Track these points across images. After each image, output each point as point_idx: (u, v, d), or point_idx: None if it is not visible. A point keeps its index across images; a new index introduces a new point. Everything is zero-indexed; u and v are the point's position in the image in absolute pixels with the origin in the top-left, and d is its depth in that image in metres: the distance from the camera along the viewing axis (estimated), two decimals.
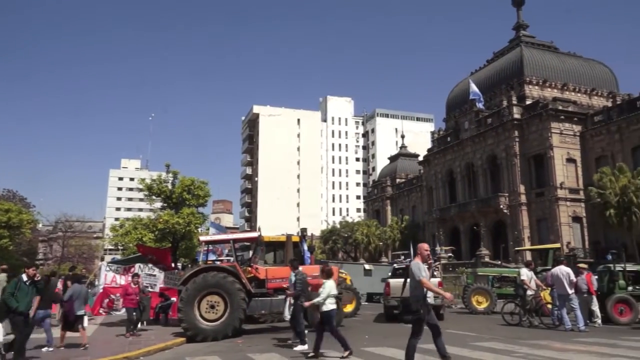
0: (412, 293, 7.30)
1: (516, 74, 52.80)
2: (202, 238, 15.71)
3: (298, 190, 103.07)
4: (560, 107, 45.27)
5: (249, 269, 13.57)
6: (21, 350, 8.68)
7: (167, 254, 16.87)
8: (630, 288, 15.89)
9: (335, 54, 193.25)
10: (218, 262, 15.39)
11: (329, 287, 8.93)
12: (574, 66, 54.51)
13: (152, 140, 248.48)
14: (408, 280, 7.49)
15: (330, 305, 8.86)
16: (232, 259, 14.49)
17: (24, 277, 8.77)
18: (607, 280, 15.94)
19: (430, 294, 7.28)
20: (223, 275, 12.37)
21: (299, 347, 9.84)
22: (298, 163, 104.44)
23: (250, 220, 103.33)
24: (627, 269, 16.65)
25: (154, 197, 25.44)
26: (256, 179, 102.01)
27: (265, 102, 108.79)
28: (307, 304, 9.62)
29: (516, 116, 47.48)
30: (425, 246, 7.63)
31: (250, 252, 16.02)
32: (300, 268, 11.32)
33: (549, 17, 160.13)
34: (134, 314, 12.98)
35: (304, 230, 16.51)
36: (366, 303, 25.61)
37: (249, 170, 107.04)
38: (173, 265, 18.09)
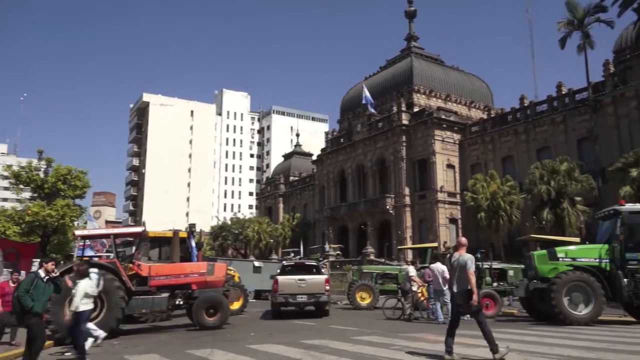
0: (464, 286, 7.64)
1: (406, 82, 55.88)
2: (77, 232, 14.50)
3: (188, 185, 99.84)
4: (443, 116, 48.77)
5: (131, 265, 12.86)
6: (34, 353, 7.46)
7: (33, 249, 15.37)
8: (495, 284, 17.57)
9: (234, 48, 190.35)
10: (96, 259, 14.36)
11: (83, 287, 8.41)
12: (456, 79, 59.00)
13: (22, 124, 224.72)
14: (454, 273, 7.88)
15: (83, 306, 8.40)
16: (112, 255, 13.61)
17: (41, 272, 7.68)
18: (475, 277, 17.39)
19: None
20: (100, 273, 11.57)
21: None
22: (190, 156, 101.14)
23: (135, 214, 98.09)
24: (493, 267, 18.39)
25: (21, 187, 23.06)
26: (143, 171, 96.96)
27: (156, 91, 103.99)
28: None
29: (404, 122, 50.27)
30: (464, 240, 8.26)
31: (134, 248, 15.14)
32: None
33: (437, 31, 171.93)
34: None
35: (192, 225, 16.02)
36: (254, 300, 25.49)
37: (135, 162, 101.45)
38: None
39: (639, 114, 34.61)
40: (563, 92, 40.89)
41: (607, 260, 12.90)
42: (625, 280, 12.53)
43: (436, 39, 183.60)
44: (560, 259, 13.15)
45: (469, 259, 7.82)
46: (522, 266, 16.37)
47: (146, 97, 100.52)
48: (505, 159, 44.47)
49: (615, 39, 38.74)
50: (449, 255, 8.53)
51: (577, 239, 21.03)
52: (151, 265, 13.09)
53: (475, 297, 7.53)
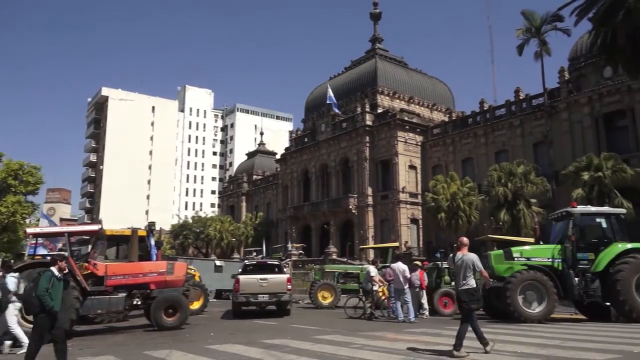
0: (469, 285, 7.92)
1: (370, 83, 56.43)
2: (29, 230, 13.96)
3: (149, 182, 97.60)
4: (406, 118, 49.52)
5: (86, 264, 12.48)
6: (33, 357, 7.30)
7: None
8: (453, 283, 17.95)
9: (197, 44, 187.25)
10: (49, 258, 13.84)
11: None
12: (419, 82, 60.02)
13: None
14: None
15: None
16: (66, 253, 13.15)
17: (55, 270, 7.49)
18: (435, 276, 17.75)
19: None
20: (20, 276, 11.16)
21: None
22: (150, 153, 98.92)
23: (92, 212, 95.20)
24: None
25: None
26: (101, 167, 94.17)
27: (117, 86, 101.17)
28: None
29: (368, 123, 50.76)
30: (466, 240, 8.45)
31: (90, 247, 14.69)
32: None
33: (401, 33, 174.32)
34: None
35: (151, 224, 15.67)
36: (215, 300, 25.21)
37: (93, 157, 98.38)
38: None
39: (591, 120, 36.10)
40: (521, 97, 42.23)
41: (560, 260, 13.36)
42: (576, 279, 13.02)
43: (400, 42, 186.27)
44: (516, 259, 13.52)
45: (475, 258, 8.12)
46: None
47: (105, 91, 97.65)
48: (465, 161, 45.55)
49: (571, 47, 40.32)
50: (451, 255, 8.74)
51: (532, 240, 21.74)
52: (108, 265, 12.75)
53: (489, 281, 8.41)
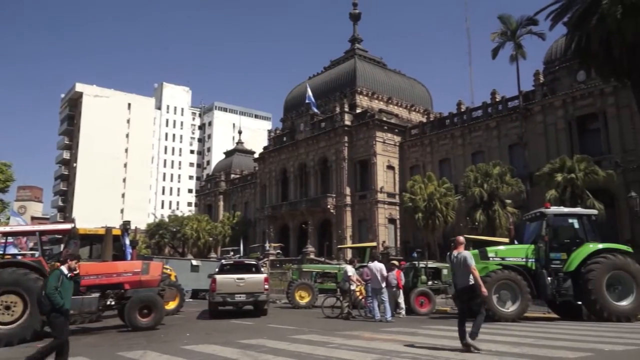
0: (468, 282, 8.17)
1: (349, 83, 56.58)
2: None
3: (124, 180, 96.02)
4: (384, 118, 49.82)
5: (58, 264, 12.17)
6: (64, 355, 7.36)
7: None
8: (430, 282, 18.14)
9: (176, 41, 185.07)
10: (19, 257, 13.52)
11: None
12: (398, 83, 60.43)
13: None
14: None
15: None
16: (37, 253, 12.86)
17: (65, 269, 7.58)
18: (411, 275, 17.89)
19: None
20: (24, 272, 10.94)
21: None
22: (126, 151, 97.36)
23: (65, 210, 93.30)
24: (428, 266, 18.97)
25: None
26: (75, 164, 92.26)
27: (93, 82, 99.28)
28: None
29: (347, 123, 50.89)
30: (462, 238, 8.84)
31: (62, 246, 14.39)
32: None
33: (380, 34, 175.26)
34: None
35: (126, 223, 15.42)
36: (191, 300, 24.93)
37: (66, 155, 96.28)
38: None
39: (565, 123, 36.88)
40: (497, 100, 42.90)
41: (533, 260, 13.57)
42: (549, 278, 13.25)
43: (379, 42, 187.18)
44: (491, 259, 13.67)
45: (467, 256, 8.36)
46: None
47: (79, 87, 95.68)
48: (443, 162, 46.04)
49: (546, 50, 41.13)
50: (448, 253, 8.97)
51: (507, 240, 22.10)
52: (81, 264, 12.46)
53: (483, 289, 8.20)
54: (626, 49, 22.38)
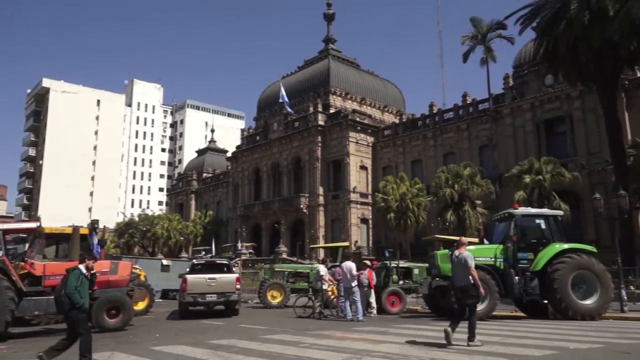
0: (465, 281, 8.40)
1: (323, 83, 56.67)
2: None
3: (92, 178, 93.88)
4: (358, 119, 50.08)
5: (22, 264, 11.86)
6: (89, 351, 7.49)
7: None
8: (401, 282, 18.31)
9: (147, 37, 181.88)
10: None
11: None
12: (371, 83, 60.84)
13: None
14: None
15: None
16: (0, 252, 12.45)
17: (83, 269, 7.65)
18: (383, 275, 18.02)
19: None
20: None
21: None
22: (95, 148, 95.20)
23: (30, 208, 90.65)
24: (400, 266, 19.15)
25: None
26: (41, 162, 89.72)
27: (59, 77, 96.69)
28: None
29: (320, 123, 50.95)
30: (465, 239, 9.25)
31: (27, 245, 13.96)
32: None
33: (354, 35, 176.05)
34: None
35: (94, 222, 15.12)
36: (161, 300, 24.58)
37: (32, 152, 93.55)
38: None
39: (533, 126, 37.78)
40: (468, 102, 43.66)
41: (501, 260, 13.82)
42: (516, 278, 13.52)
43: (353, 43, 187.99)
44: None
45: (468, 256, 8.61)
46: (427, 265, 17.15)
47: (46, 82, 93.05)
48: (415, 163, 46.57)
49: (516, 54, 42.05)
50: (450, 253, 9.23)
51: (476, 239, 22.50)
52: (46, 264, 12.18)
53: (482, 289, 8.56)
54: (592, 54, 23.08)
